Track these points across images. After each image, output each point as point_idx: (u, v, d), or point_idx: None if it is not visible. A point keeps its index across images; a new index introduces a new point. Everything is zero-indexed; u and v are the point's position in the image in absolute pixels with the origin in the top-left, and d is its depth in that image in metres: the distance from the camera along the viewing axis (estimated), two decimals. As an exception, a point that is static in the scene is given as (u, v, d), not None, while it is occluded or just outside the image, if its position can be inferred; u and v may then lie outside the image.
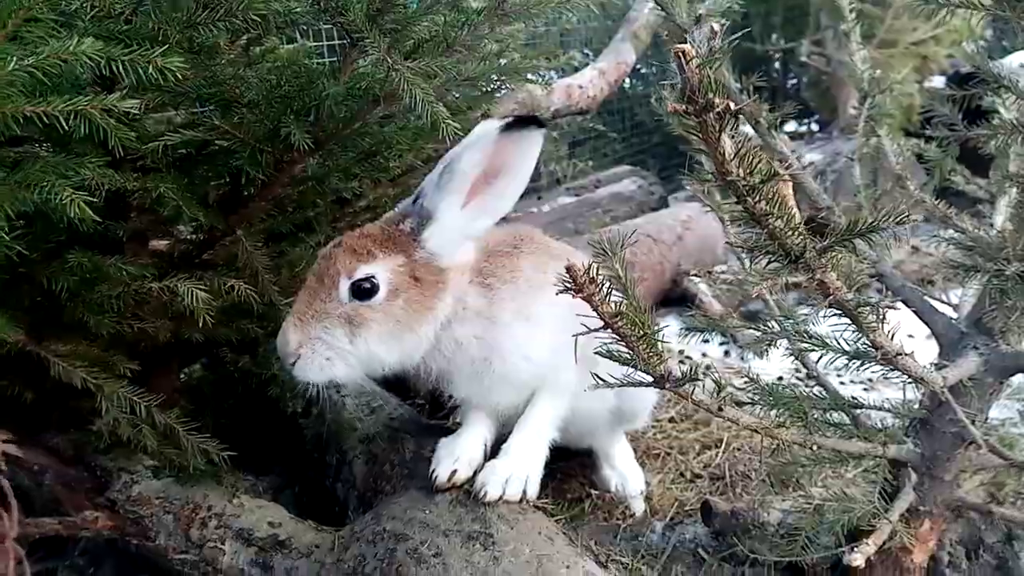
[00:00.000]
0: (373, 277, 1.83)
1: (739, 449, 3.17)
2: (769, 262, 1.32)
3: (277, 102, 1.84)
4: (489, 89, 3.20)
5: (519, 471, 1.99)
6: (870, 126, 2.73)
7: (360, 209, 3.07)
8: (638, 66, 7.39)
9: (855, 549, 1.74)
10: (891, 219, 1.22)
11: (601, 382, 1.37)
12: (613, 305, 1.20)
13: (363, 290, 1.84)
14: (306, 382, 1.88)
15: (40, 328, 1.94)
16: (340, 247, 1.88)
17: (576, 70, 4.86)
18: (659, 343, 1.31)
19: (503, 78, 3.25)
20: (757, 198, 1.15)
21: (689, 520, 2.60)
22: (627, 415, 2.55)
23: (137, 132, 1.76)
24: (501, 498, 1.94)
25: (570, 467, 2.94)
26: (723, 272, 4.76)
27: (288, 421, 2.74)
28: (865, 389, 3.70)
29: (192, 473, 2.28)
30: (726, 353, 4.28)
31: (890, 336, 1.65)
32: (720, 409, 1.49)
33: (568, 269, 1.12)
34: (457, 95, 2.96)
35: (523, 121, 1.85)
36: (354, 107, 1.91)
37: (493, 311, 1.97)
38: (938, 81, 7.17)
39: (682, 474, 3.06)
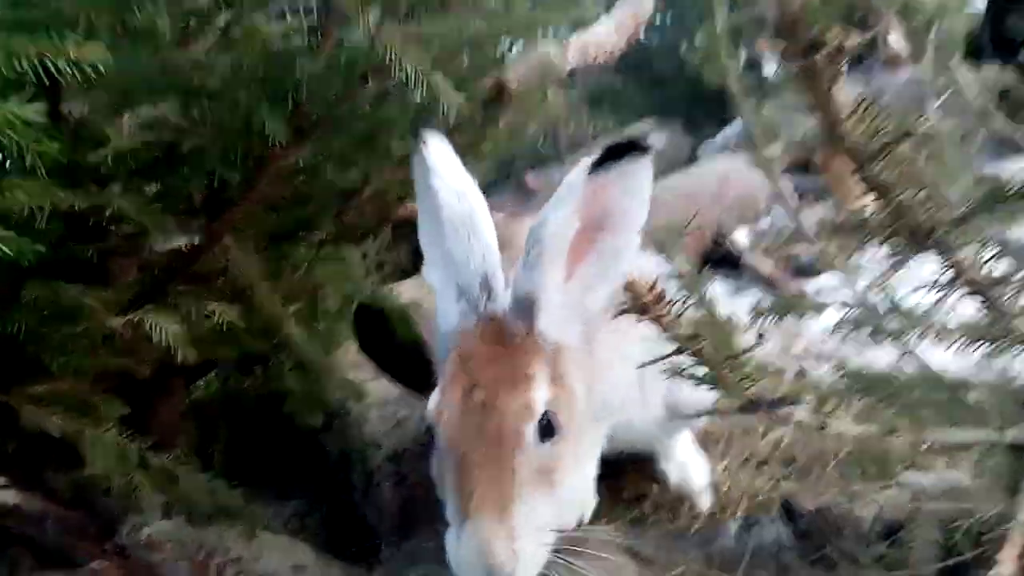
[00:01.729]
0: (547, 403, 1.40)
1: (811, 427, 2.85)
2: (887, 238, 0.99)
3: (246, 89, 1.54)
4: (498, 54, 2.87)
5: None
6: (944, 52, 2.34)
7: (365, 199, 2.77)
8: (655, 18, 6.96)
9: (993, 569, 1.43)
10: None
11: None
12: (686, 322, 0.89)
13: (546, 426, 1.39)
14: None
15: (4, 371, 1.68)
16: (480, 388, 1.38)
17: (588, 25, 4.46)
18: (750, 361, 1.00)
19: (512, 37, 2.91)
20: (881, 165, 0.82)
21: (767, 518, 2.30)
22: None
23: (85, 140, 1.49)
24: None
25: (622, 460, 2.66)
26: (768, 228, 4.38)
27: (308, 438, 2.49)
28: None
29: (205, 513, 2.05)
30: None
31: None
32: (823, 428, 1.18)
33: (629, 287, 0.81)
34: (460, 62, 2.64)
35: (616, 151, 1.39)
36: (340, 87, 1.60)
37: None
38: (980, 3, 6.59)
39: (747, 459, 2.75)
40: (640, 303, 0.79)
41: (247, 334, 2.15)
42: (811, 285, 3.80)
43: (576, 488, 1.45)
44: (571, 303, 1.46)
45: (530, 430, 1.36)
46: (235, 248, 1.94)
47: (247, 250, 1.98)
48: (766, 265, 3.89)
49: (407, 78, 1.36)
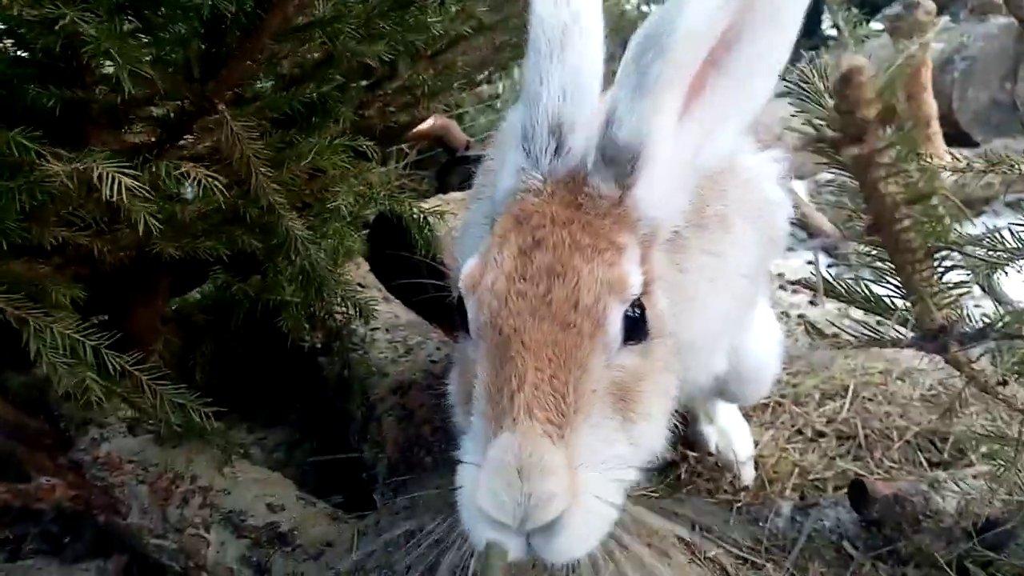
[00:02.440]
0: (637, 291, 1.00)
1: (871, 399, 2.51)
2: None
3: None
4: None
5: None
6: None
7: (392, 91, 2.42)
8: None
9: None
10: None
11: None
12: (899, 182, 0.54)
13: (635, 322, 1.00)
14: (576, 551, 0.94)
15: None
16: (546, 250, 0.97)
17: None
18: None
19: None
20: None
21: (826, 500, 1.97)
22: (742, 385, 1.82)
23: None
24: None
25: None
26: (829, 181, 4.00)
27: (305, 359, 2.18)
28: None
29: (174, 431, 1.74)
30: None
31: None
32: (1004, 383, 0.84)
33: (848, 78, 0.44)
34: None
35: None
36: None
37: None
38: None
39: (800, 431, 2.42)
40: (858, 118, 0.44)
41: (240, 227, 1.83)
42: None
43: (653, 433, 1.02)
44: (680, 160, 1.04)
45: (616, 316, 0.96)
46: (231, 121, 1.59)
47: (246, 126, 1.64)
48: (823, 220, 3.52)
49: None
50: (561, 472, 0.85)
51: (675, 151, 1.01)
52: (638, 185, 1.01)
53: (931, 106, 3.73)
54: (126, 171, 1.14)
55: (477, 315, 0.97)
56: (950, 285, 0.63)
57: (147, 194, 1.15)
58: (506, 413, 0.88)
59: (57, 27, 1.10)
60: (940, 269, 0.60)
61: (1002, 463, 1.35)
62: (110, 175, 1.11)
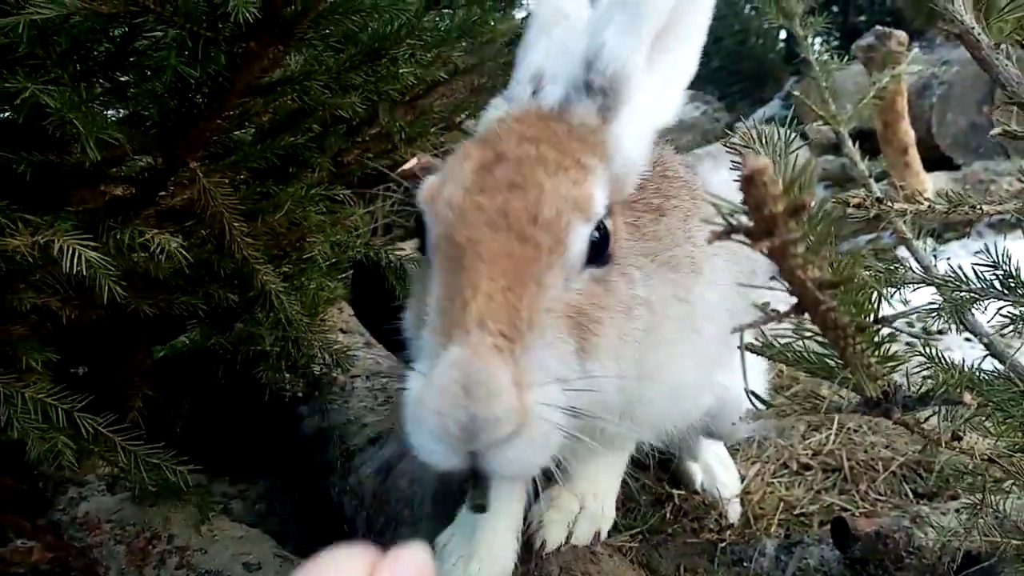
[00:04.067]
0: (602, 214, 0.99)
1: (856, 430, 2.52)
2: None
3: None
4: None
5: (591, 500, 1.36)
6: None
7: (370, 137, 2.43)
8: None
9: None
10: None
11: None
12: (816, 266, 0.55)
13: (598, 243, 0.98)
14: (523, 470, 0.94)
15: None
16: (508, 163, 0.96)
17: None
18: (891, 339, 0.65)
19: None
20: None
21: (810, 537, 1.96)
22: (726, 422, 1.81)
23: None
24: (566, 543, 1.30)
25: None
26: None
27: (284, 410, 2.17)
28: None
29: (150, 490, 1.73)
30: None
31: None
32: (957, 439, 0.84)
33: (751, 179, 0.46)
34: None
35: None
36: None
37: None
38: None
39: (785, 465, 2.42)
40: (765, 213, 0.45)
41: (215, 282, 1.84)
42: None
43: (607, 378, 0.97)
44: (646, 107, 1.09)
45: (579, 235, 0.94)
46: (203, 179, 1.60)
47: (220, 182, 1.65)
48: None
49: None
50: (508, 393, 0.81)
51: (644, 96, 1.07)
52: (617, 120, 1.05)
53: (907, 134, 3.77)
54: (87, 243, 1.15)
55: (434, 228, 0.96)
56: (886, 356, 0.64)
57: (109, 265, 1.15)
58: (457, 324, 0.84)
59: (18, 100, 1.11)
60: (875, 342, 0.61)
61: (976, 502, 1.35)
62: (71, 248, 1.13)
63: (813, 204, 0.51)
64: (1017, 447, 1.05)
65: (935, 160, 4.75)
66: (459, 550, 1.29)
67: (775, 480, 2.35)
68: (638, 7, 1.03)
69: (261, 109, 1.74)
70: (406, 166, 3.95)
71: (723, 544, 1.98)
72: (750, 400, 0.74)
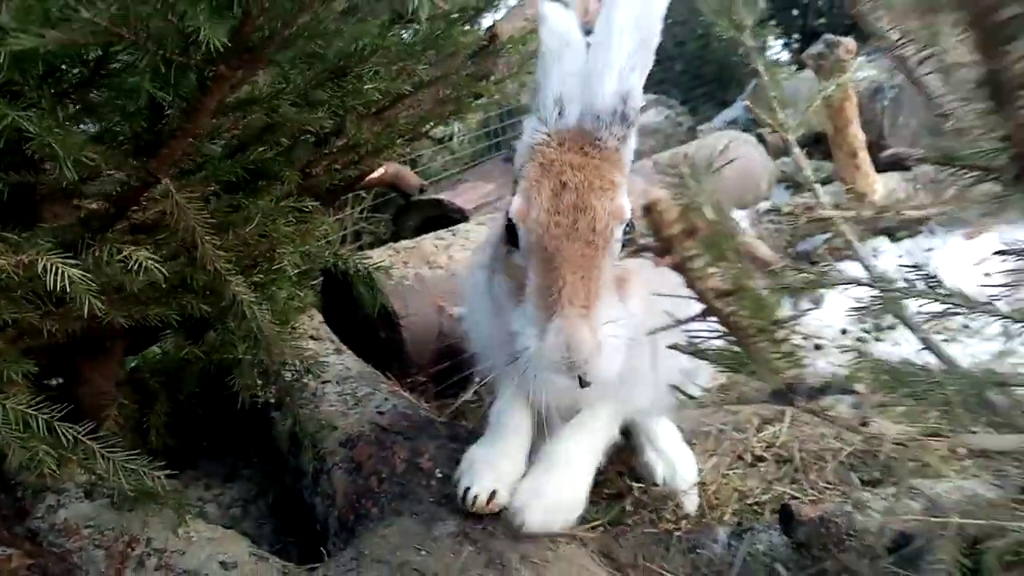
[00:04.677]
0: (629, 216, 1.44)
1: (807, 423, 2.64)
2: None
3: (182, -12, 1.27)
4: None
5: (568, 492, 1.61)
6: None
7: (338, 149, 2.50)
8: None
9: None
10: None
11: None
12: (718, 278, 0.64)
13: (628, 234, 1.44)
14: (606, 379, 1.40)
15: None
16: (571, 190, 1.40)
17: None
18: (789, 337, 0.76)
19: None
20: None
21: (760, 524, 2.08)
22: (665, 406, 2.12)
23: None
24: (541, 529, 1.52)
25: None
26: (769, 209, 4.16)
27: (258, 415, 2.24)
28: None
29: (128, 495, 1.79)
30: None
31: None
32: (864, 424, 0.95)
33: (650, 209, 0.56)
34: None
35: None
36: (297, -3, 1.34)
37: None
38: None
39: (740, 457, 2.53)
40: (663, 236, 0.55)
41: (188, 293, 1.90)
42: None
43: (635, 317, 1.42)
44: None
45: (618, 234, 1.40)
46: (175, 194, 1.67)
47: (191, 196, 1.72)
48: (763, 249, 3.67)
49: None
50: (590, 338, 1.30)
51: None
52: (628, 140, 1.49)
53: (857, 137, 3.92)
54: (69, 261, 1.22)
55: (527, 239, 1.41)
56: (786, 353, 0.74)
57: (90, 282, 1.22)
58: (554, 304, 1.31)
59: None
60: (775, 340, 0.71)
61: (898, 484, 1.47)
62: (54, 265, 1.19)
63: (709, 225, 0.61)
64: (929, 432, 1.16)
65: (889, 163, 4.91)
66: (484, 456, 1.70)
67: (730, 471, 2.46)
68: (649, 53, 1.50)
69: (231, 126, 1.81)
70: (375, 174, 4.03)
71: (679, 533, 2.09)
72: (674, 393, 0.86)
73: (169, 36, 1.33)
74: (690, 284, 0.62)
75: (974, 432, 1.40)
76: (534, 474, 1.64)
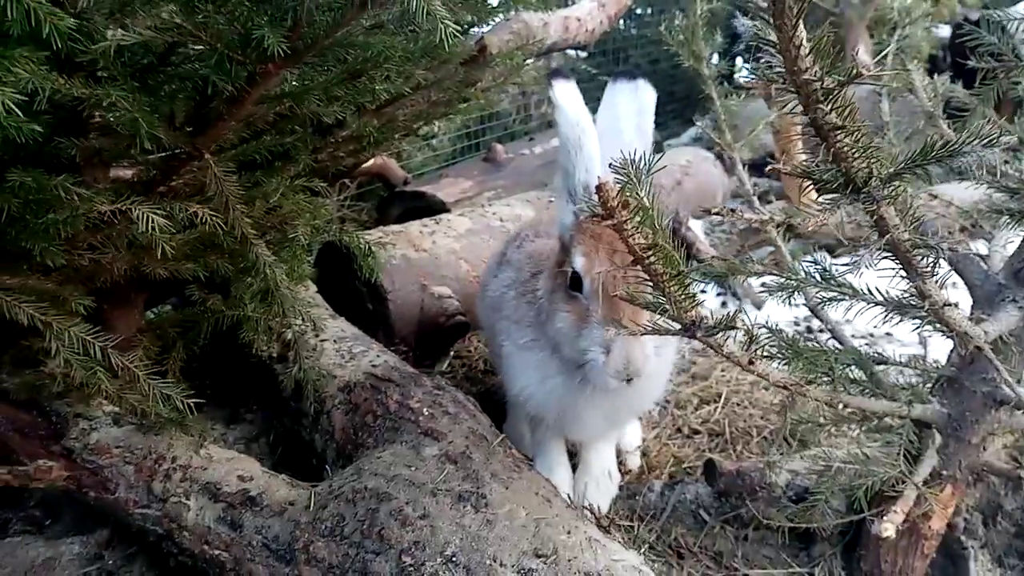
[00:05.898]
0: None
1: (739, 404, 3.03)
2: (822, 189, 1.12)
3: (249, 1, 1.60)
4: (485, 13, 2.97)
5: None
6: (900, 59, 2.53)
7: (342, 139, 2.83)
8: (633, 6, 7.08)
9: (884, 518, 1.59)
10: (977, 141, 1.02)
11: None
12: (645, 238, 1.00)
13: None
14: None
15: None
16: (620, 254, 1.74)
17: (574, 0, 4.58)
18: (691, 284, 1.12)
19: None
20: (829, 107, 0.94)
21: (690, 479, 2.46)
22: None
23: (86, 31, 1.53)
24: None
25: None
26: (722, 220, 4.56)
27: (263, 367, 2.55)
28: (867, 344, 3.56)
29: (155, 421, 2.10)
30: (723, 304, 4.12)
31: (939, 286, 1.49)
32: (751, 363, 1.31)
33: (599, 189, 0.91)
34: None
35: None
36: (339, 12, 1.67)
37: None
38: (945, 31, 6.93)
39: (679, 430, 2.92)
40: (606, 205, 0.90)
41: (216, 251, 2.21)
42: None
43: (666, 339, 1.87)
44: None
45: None
46: (214, 165, 1.98)
47: (226, 170, 2.03)
48: (702, 245, 4.05)
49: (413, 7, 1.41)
50: (643, 354, 1.78)
51: None
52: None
53: (800, 160, 4.33)
54: (156, 212, 1.54)
55: (593, 286, 1.82)
56: (692, 295, 1.09)
57: (171, 228, 1.54)
58: (618, 329, 1.73)
59: (92, 100, 1.49)
60: (682, 285, 1.05)
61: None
62: (145, 214, 1.51)
63: (640, 202, 0.97)
64: (807, 380, 1.53)
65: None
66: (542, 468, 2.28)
67: (670, 441, 2.84)
68: (647, 137, 2.06)
69: (262, 114, 2.12)
70: (365, 165, 4.35)
71: (622, 484, 2.46)
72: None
73: (234, 37, 1.65)
74: (624, 241, 0.97)
75: (853, 395, 1.79)
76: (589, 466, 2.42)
